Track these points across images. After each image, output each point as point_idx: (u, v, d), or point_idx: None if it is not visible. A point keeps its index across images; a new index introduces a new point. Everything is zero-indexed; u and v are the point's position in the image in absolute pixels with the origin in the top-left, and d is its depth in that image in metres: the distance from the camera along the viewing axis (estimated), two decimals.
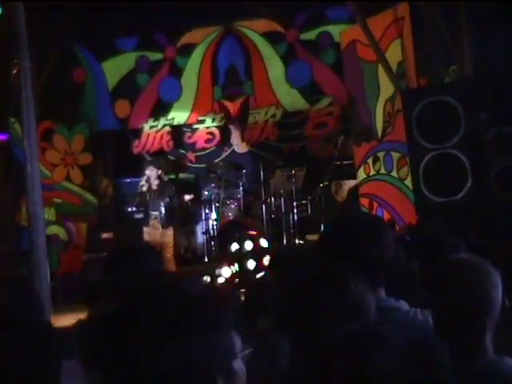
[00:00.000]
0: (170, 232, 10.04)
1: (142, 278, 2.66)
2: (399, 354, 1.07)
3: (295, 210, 10.62)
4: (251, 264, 9.31)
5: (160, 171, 10.15)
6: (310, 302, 2.01)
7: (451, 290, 2.26)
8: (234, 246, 9.42)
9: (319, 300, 1.99)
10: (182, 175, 11.99)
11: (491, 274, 2.26)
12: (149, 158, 11.75)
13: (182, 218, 10.95)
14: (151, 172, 10.12)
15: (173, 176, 11.48)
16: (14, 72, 7.08)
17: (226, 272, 9.05)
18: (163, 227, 9.93)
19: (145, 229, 10.05)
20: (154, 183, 10.05)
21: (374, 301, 2.06)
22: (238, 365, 1.40)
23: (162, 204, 9.96)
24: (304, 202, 10.85)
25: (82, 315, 2.71)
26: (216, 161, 11.90)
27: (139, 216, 10.31)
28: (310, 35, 11.82)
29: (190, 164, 12.36)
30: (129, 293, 2.59)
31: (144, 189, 10.08)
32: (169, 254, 9.87)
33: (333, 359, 1.07)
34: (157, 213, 9.95)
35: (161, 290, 1.42)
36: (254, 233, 9.72)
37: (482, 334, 2.22)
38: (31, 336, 1.80)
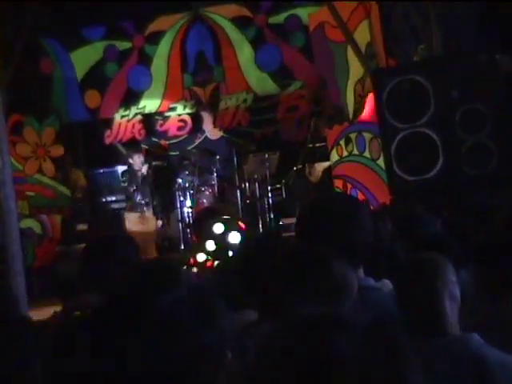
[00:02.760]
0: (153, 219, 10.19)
1: (119, 269, 2.65)
2: (360, 337, 1.07)
3: (270, 195, 10.63)
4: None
5: (143, 159, 10.33)
6: (292, 280, 2.00)
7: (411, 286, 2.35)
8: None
9: (302, 278, 1.98)
10: (155, 163, 11.94)
11: (444, 263, 2.36)
12: (124, 150, 11.71)
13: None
14: (137, 160, 10.26)
15: (146, 164, 11.44)
16: None
17: (201, 257, 9.05)
18: (155, 214, 10.09)
19: (130, 217, 10.09)
20: (142, 170, 10.25)
21: (356, 279, 2.07)
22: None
23: (149, 191, 10.10)
24: (278, 186, 10.85)
25: (58, 308, 2.69)
26: (189, 148, 11.86)
27: (118, 206, 10.33)
28: (279, 19, 11.75)
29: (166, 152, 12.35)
30: (106, 284, 2.58)
31: (130, 176, 10.24)
32: (152, 241, 9.97)
33: (294, 347, 1.07)
34: (147, 200, 10.06)
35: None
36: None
37: (435, 290, 2.26)
38: (7, 330, 1.78)
